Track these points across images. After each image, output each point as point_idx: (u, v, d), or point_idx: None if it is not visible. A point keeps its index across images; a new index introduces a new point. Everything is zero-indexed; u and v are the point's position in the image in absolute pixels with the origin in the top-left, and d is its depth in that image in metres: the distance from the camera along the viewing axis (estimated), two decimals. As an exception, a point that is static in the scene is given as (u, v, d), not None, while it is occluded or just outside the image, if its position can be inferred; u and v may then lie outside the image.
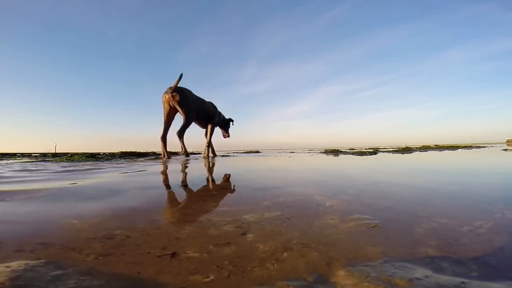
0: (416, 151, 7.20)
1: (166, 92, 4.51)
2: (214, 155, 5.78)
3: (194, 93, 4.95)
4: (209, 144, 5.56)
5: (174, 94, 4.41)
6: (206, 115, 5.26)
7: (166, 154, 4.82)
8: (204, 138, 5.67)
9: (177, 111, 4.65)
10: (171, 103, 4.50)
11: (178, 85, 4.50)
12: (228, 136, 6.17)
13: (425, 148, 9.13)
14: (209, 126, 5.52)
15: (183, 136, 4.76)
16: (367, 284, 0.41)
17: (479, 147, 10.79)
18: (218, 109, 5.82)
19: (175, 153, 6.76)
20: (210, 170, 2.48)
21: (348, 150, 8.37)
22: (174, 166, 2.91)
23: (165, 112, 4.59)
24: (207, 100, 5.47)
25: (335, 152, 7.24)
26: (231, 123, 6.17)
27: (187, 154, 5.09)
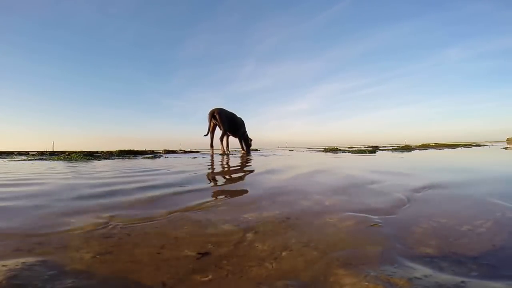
0: (415, 149, 7.20)
1: (209, 112, 6.43)
2: (229, 152, 7.38)
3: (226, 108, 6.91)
4: (248, 148, 7.80)
5: (215, 114, 6.36)
6: (235, 127, 7.12)
7: (223, 150, 6.62)
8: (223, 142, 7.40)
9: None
10: (213, 120, 6.44)
11: (217, 107, 6.56)
12: (245, 152, 7.80)
13: (424, 147, 9.13)
14: (238, 137, 7.51)
15: (222, 141, 6.63)
16: (366, 283, 0.41)
17: (479, 145, 10.80)
18: (245, 127, 7.70)
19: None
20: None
21: (347, 149, 8.36)
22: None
23: (210, 124, 6.51)
24: (238, 115, 7.38)
25: (334, 150, 7.24)
26: (250, 142, 7.94)
27: (225, 153, 6.78)
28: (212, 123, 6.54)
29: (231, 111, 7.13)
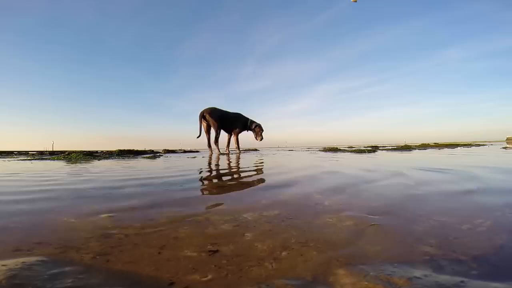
0: (415, 149, 7.20)
1: (200, 113, 6.34)
2: (229, 152, 7.12)
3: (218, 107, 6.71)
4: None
5: (205, 114, 6.29)
6: (231, 125, 6.84)
7: (219, 151, 6.54)
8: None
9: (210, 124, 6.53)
10: (204, 120, 6.36)
11: (208, 107, 6.43)
12: (260, 139, 7.32)
13: (424, 146, 9.13)
14: (234, 132, 7.11)
15: (217, 143, 6.53)
16: (366, 283, 0.41)
17: (479, 145, 10.80)
18: (245, 117, 7.23)
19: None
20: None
21: (346, 148, 8.35)
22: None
23: (203, 125, 6.42)
24: (232, 111, 7.00)
25: (334, 150, 7.24)
26: (256, 127, 7.37)
27: (220, 153, 6.62)
28: (204, 124, 6.44)
29: (225, 110, 6.81)
